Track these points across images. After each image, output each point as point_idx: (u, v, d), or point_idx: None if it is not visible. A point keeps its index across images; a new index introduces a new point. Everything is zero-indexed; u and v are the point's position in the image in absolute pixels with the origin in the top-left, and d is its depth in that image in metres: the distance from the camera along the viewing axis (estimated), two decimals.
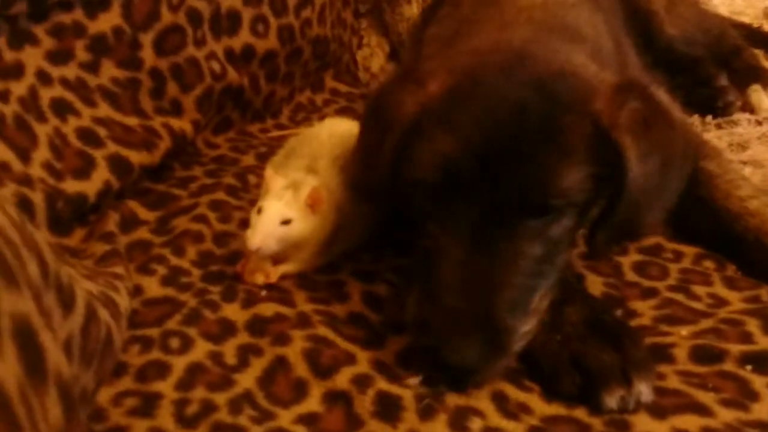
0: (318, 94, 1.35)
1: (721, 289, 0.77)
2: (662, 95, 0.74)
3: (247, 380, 0.63)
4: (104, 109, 0.93)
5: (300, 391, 0.62)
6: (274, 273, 0.76)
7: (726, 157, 0.95)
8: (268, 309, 0.72)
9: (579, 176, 0.61)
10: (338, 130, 0.84)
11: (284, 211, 0.72)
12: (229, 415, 0.59)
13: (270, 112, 1.24)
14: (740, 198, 0.84)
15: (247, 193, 0.96)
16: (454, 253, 0.62)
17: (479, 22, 0.83)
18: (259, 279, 0.76)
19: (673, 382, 0.64)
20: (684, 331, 0.70)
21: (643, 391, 0.60)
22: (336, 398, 0.62)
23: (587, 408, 0.61)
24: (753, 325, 0.70)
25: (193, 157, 1.06)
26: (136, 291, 0.74)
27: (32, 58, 0.85)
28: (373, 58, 1.45)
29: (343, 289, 0.77)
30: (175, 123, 1.02)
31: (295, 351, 0.66)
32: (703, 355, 0.67)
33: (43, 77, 0.86)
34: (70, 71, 0.90)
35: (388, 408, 0.60)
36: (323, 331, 0.69)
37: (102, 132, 0.91)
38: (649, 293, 0.77)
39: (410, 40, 1.35)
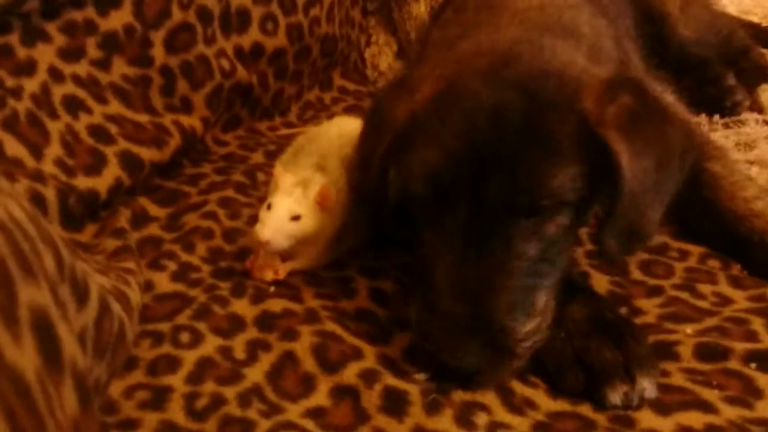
0: (326, 92, 1.36)
1: (726, 288, 0.78)
2: (661, 92, 0.74)
3: (255, 374, 0.64)
4: (115, 107, 0.94)
5: (308, 385, 0.63)
6: (283, 269, 0.77)
7: (731, 158, 0.94)
8: (276, 305, 0.73)
9: (568, 175, 0.60)
10: (347, 129, 0.85)
11: (294, 207, 0.73)
12: (238, 409, 0.60)
13: (279, 110, 1.25)
14: (745, 199, 0.84)
15: (256, 191, 0.97)
16: (447, 259, 0.62)
17: (477, 26, 0.82)
18: (268, 275, 0.76)
19: (678, 380, 0.64)
20: (689, 329, 0.71)
21: (647, 387, 0.61)
22: (343, 393, 0.62)
23: (592, 404, 0.62)
24: (758, 324, 0.70)
25: (202, 155, 1.07)
26: (147, 286, 0.75)
27: (44, 55, 0.86)
28: (381, 56, 1.46)
29: (350, 286, 0.78)
30: (185, 120, 1.03)
31: (303, 346, 0.67)
32: (707, 352, 0.67)
33: (56, 74, 0.87)
34: (82, 68, 0.91)
35: (394, 402, 0.61)
36: (331, 326, 0.70)
37: (113, 129, 0.92)
38: (655, 291, 0.78)
39: (417, 39, 1.35)
